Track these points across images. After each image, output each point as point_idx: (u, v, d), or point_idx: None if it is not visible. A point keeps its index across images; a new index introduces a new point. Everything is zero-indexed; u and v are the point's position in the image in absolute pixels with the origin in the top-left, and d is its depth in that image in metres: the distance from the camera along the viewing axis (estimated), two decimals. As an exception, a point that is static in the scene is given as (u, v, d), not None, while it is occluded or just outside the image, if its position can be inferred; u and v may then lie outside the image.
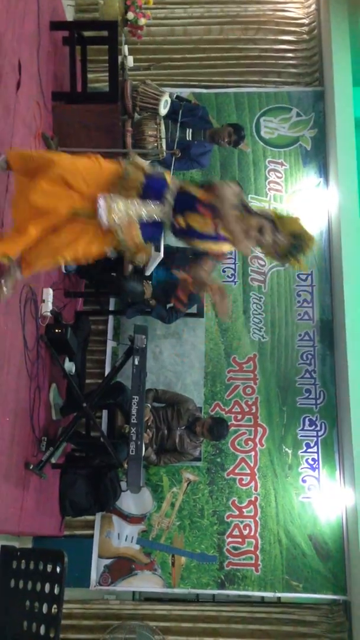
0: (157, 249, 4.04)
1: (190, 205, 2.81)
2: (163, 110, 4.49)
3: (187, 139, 4.80)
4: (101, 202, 2.68)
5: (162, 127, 4.42)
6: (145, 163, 2.94)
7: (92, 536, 4.79)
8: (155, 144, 4.37)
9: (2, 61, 3.28)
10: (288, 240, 2.79)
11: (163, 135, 4.38)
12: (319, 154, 5.69)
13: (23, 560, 2.85)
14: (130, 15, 4.85)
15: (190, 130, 4.82)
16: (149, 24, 5.13)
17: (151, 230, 2.84)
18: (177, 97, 4.88)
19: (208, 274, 3.01)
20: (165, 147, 4.39)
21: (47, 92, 4.18)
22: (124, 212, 2.70)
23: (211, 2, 6.10)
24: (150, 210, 2.77)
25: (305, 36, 6.03)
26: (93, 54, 5.24)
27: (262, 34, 6.04)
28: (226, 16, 6.04)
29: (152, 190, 2.79)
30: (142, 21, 4.90)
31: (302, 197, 5.60)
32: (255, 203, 5.56)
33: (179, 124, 4.69)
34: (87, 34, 4.83)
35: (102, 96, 4.74)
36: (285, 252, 2.80)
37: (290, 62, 5.99)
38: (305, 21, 6.04)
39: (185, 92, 5.63)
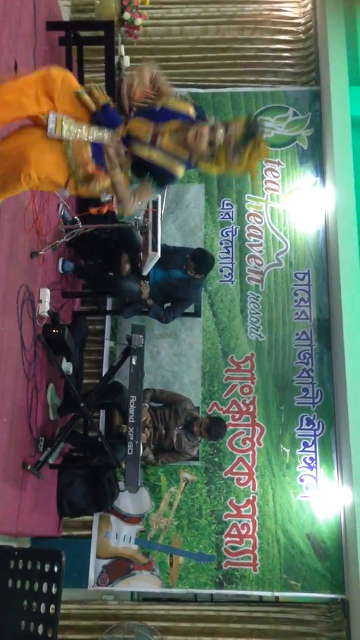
0: (155, 249, 4.05)
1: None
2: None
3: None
4: (51, 116, 2.62)
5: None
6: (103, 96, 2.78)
7: (90, 536, 4.79)
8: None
9: (-2, 61, 3.28)
10: (241, 129, 2.70)
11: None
12: (315, 154, 5.69)
13: (20, 560, 2.84)
14: (127, 15, 4.86)
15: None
16: (145, 24, 5.14)
17: (99, 149, 2.69)
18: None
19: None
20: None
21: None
22: (73, 130, 2.64)
23: (208, 2, 6.10)
24: (99, 132, 2.69)
25: (301, 36, 6.04)
26: (89, 54, 5.24)
27: (259, 33, 6.04)
28: (223, 16, 6.04)
29: (106, 119, 2.71)
30: (139, 21, 4.91)
31: (299, 196, 5.61)
32: (252, 202, 5.58)
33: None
34: (83, 34, 4.83)
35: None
36: (241, 140, 2.68)
37: (287, 61, 6.00)
38: (302, 21, 6.04)
39: (182, 92, 5.63)
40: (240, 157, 2.72)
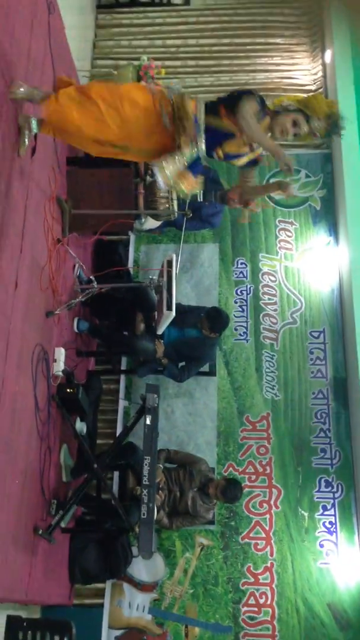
0: (169, 308, 4.06)
1: (220, 138, 3.11)
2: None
3: (198, 200, 4.89)
4: (155, 169, 3.11)
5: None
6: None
7: (102, 605, 4.61)
8: (167, 205, 4.45)
9: (16, 132, 3.38)
10: (325, 122, 2.98)
11: (174, 197, 4.46)
12: (328, 214, 5.76)
13: (29, 631, 2.74)
14: (143, 85, 5.04)
15: (201, 191, 4.92)
16: (161, 92, 5.32)
17: (194, 166, 3.14)
18: (188, 160, 4.99)
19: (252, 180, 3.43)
20: (176, 208, 4.46)
21: (62, 158, 4.30)
22: (173, 169, 3.07)
23: (220, 71, 6.34)
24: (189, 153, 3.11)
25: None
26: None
27: (270, 100, 6.22)
28: (235, 84, 6.24)
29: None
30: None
31: (313, 256, 5.64)
32: (266, 261, 5.62)
33: (190, 186, 4.78)
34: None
35: (115, 160, 4.86)
36: (327, 134, 3.03)
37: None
38: (312, 87, 6.24)
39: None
40: (328, 138, 3.20)
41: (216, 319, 4.67)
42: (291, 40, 6.46)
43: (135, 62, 5.14)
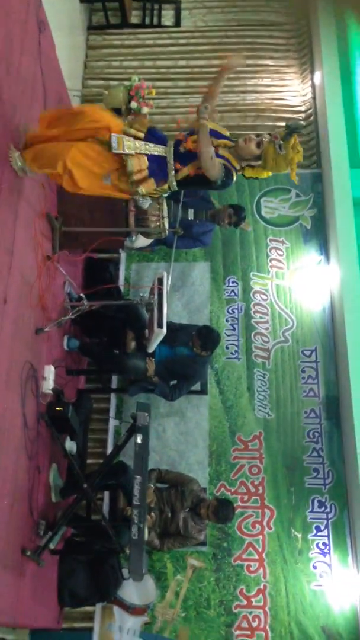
0: (160, 326, 4.04)
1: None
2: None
3: (189, 218, 4.90)
4: (113, 137, 3.19)
5: (165, 207, 4.51)
6: (144, 124, 3.37)
7: (91, 629, 4.51)
8: (158, 223, 4.44)
9: (5, 149, 3.38)
10: (281, 129, 3.26)
11: (165, 214, 4.46)
12: (319, 233, 5.79)
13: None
14: (134, 104, 5.07)
15: (192, 210, 4.93)
16: (151, 112, 5.36)
17: (157, 162, 3.28)
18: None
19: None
20: (167, 226, 4.46)
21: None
22: (133, 147, 3.21)
23: (211, 92, 6.38)
24: (156, 148, 3.29)
25: (302, 122, 6.27)
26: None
27: (260, 120, 6.29)
28: (225, 105, 6.30)
29: (157, 136, 3.34)
30: (145, 110, 5.12)
31: (304, 274, 5.65)
32: (257, 280, 5.62)
33: (181, 204, 4.79)
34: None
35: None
36: (285, 135, 3.21)
37: (288, 146, 6.20)
38: (302, 108, 6.30)
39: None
40: (286, 147, 3.23)
41: (207, 337, 4.64)
42: (281, 62, 6.54)
43: (126, 83, 5.16)
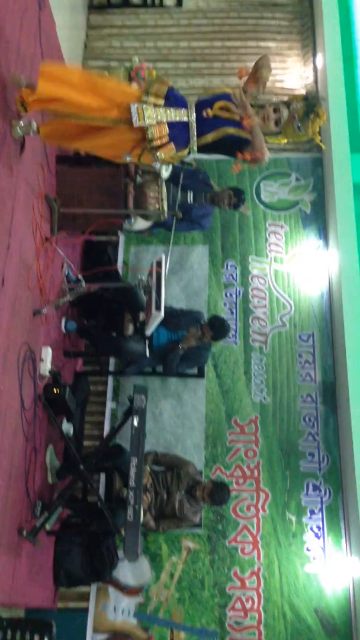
0: (158, 308, 4.03)
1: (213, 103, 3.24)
2: (165, 174, 4.56)
3: (189, 201, 4.87)
4: (133, 107, 3.11)
5: (164, 190, 4.48)
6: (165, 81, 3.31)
7: (86, 609, 4.56)
8: (157, 206, 4.42)
9: (7, 127, 3.35)
10: (301, 104, 3.17)
11: (164, 197, 4.44)
12: (318, 218, 5.76)
13: (9, 630, 2.69)
14: (134, 85, 5.02)
15: (192, 193, 4.89)
16: (152, 93, 5.30)
17: (177, 126, 3.20)
18: (179, 160, 4.98)
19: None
20: (166, 208, 4.44)
21: (51, 156, 4.27)
22: (154, 116, 3.14)
23: (212, 74, 6.32)
24: (177, 113, 3.20)
25: (320, 94, 6.21)
26: (97, 121, 5.37)
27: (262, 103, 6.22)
28: (227, 87, 6.21)
29: (176, 99, 3.25)
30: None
31: (303, 259, 5.64)
32: (255, 264, 5.60)
33: (180, 187, 4.77)
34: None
35: (105, 160, 4.83)
36: (304, 114, 3.15)
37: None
38: (304, 91, 6.23)
39: (187, 158, 5.74)
40: (305, 127, 3.18)
41: (220, 327, 4.65)
42: (283, 44, 6.46)
43: (127, 63, 5.11)
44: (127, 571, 4.61)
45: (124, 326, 4.69)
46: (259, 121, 3.21)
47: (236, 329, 5.39)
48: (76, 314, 4.89)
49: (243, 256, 5.64)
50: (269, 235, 5.70)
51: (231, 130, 3.20)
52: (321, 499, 4.88)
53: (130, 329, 4.68)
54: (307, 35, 6.44)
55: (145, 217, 4.50)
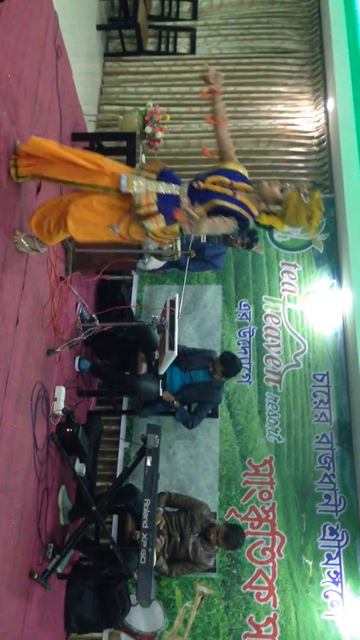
0: (172, 347, 4.03)
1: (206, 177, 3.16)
2: None
3: (202, 241, 4.91)
4: (123, 176, 3.06)
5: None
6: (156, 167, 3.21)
7: (98, 656, 4.44)
8: (171, 246, 4.46)
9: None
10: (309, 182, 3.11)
11: (178, 237, 4.48)
12: (331, 257, 5.78)
13: None
14: (149, 129, 5.13)
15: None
16: (165, 137, 5.42)
17: (167, 200, 3.10)
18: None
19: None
20: (180, 248, 4.47)
21: (66, 197, 4.34)
22: (143, 186, 3.05)
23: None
24: (168, 187, 3.11)
25: (315, 148, 6.31)
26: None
27: (274, 146, 6.33)
28: (239, 130, 6.36)
29: (170, 177, 3.17)
30: (160, 134, 5.18)
31: (316, 298, 5.63)
32: (269, 303, 5.61)
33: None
34: (106, 144, 5.08)
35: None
36: (311, 188, 3.12)
37: (301, 171, 6.23)
38: (315, 134, 6.34)
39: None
40: (310, 198, 3.10)
41: (231, 364, 4.64)
42: (294, 88, 6.59)
43: (141, 108, 5.23)
44: (140, 617, 4.49)
45: (137, 365, 4.69)
46: (265, 184, 3.15)
47: (250, 368, 5.36)
48: (90, 353, 4.90)
49: (256, 295, 5.65)
50: (282, 274, 5.72)
51: (220, 202, 3.10)
52: (338, 543, 4.76)
53: (143, 368, 4.68)
54: (318, 79, 6.57)
55: (159, 256, 4.53)
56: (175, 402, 4.60)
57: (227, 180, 3.14)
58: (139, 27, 6.44)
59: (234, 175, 3.18)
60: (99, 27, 6.49)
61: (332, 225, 5.90)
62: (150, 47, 6.90)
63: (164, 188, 3.10)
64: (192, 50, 6.84)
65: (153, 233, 3.13)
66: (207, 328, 5.51)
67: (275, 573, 4.68)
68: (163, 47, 6.87)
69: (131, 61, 6.74)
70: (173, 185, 3.14)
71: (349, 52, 6.17)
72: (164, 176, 3.16)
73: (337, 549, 4.74)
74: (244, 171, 3.23)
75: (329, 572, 4.68)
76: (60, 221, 3.14)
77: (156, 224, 3.09)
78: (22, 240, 3.28)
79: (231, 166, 3.20)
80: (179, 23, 6.95)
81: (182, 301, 4.57)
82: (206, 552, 4.30)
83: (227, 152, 3.28)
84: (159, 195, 3.08)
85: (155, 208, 3.07)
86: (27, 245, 3.29)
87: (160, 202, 3.08)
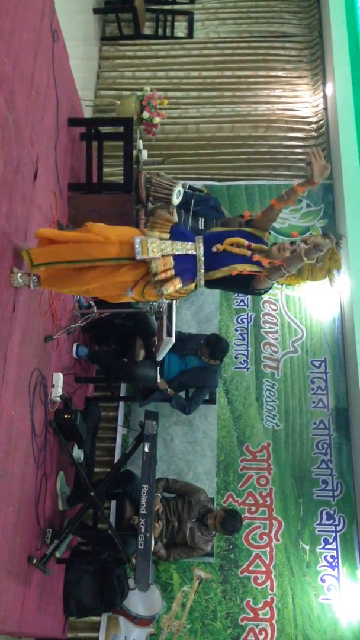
0: (169, 334, 4.03)
1: (223, 238, 3.13)
2: (176, 200, 4.61)
3: (200, 228, 4.90)
4: (137, 240, 2.97)
5: (175, 216, 4.52)
6: (168, 217, 3.23)
7: (97, 639, 4.48)
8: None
9: (21, 153, 3.40)
10: (319, 236, 3.03)
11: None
12: (329, 243, 5.76)
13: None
14: (146, 114, 5.09)
15: (203, 219, 4.93)
16: (163, 122, 5.38)
17: (183, 260, 3.05)
18: (190, 187, 5.03)
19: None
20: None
21: (63, 183, 4.32)
22: (158, 248, 2.98)
23: (222, 103, 6.40)
24: (183, 246, 3.06)
25: (313, 133, 6.28)
26: (109, 150, 5.45)
27: (272, 131, 6.29)
28: (237, 115, 6.32)
29: (182, 234, 3.14)
30: (157, 120, 5.14)
31: (314, 285, 5.61)
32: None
33: (191, 213, 4.80)
34: (103, 130, 5.04)
35: (117, 187, 4.90)
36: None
37: (300, 157, 6.20)
38: (313, 119, 6.30)
39: (197, 184, 5.80)
40: (322, 261, 3.06)
41: (216, 345, 4.63)
42: (292, 73, 6.55)
43: (139, 93, 5.19)
44: (138, 601, 4.54)
45: (135, 352, 4.69)
46: (274, 250, 3.09)
47: (247, 354, 5.37)
48: (88, 340, 4.90)
49: (254, 282, 5.63)
50: (280, 260, 5.71)
51: (241, 267, 3.06)
52: (335, 527, 4.80)
53: (141, 354, 4.68)
54: (317, 64, 6.53)
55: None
56: (169, 390, 4.59)
57: (245, 242, 3.11)
58: (136, 10, 6.39)
59: (251, 237, 3.16)
60: (95, 11, 6.43)
61: (330, 212, 5.88)
62: (147, 31, 6.84)
63: (180, 248, 3.04)
64: (190, 34, 6.79)
65: (168, 295, 3.08)
66: (204, 314, 5.51)
67: (272, 557, 4.72)
68: (160, 31, 6.81)
69: (128, 45, 6.69)
70: (188, 243, 3.08)
71: (347, 36, 6.13)
72: (177, 234, 3.10)
73: (333, 534, 4.78)
74: (261, 233, 3.22)
75: (326, 556, 4.72)
76: (72, 288, 3.23)
77: (173, 287, 3.03)
78: (19, 277, 3.20)
79: (249, 229, 3.18)
80: (176, 6, 6.89)
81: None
82: (204, 537, 4.34)
83: (265, 225, 3.24)
84: (175, 257, 3.02)
85: (172, 272, 3.00)
86: (22, 282, 3.22)
87: (177, 265, 3.02)
